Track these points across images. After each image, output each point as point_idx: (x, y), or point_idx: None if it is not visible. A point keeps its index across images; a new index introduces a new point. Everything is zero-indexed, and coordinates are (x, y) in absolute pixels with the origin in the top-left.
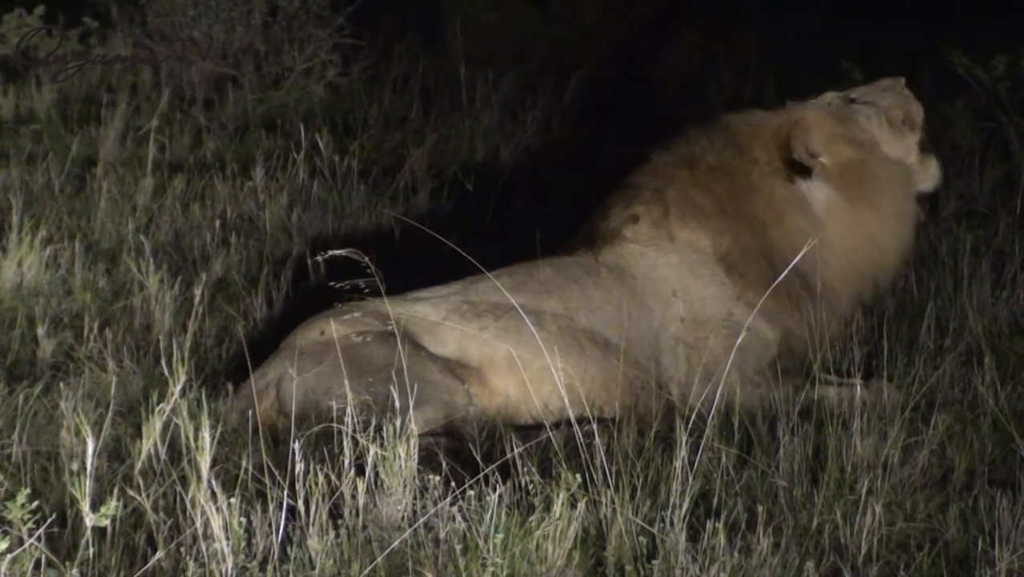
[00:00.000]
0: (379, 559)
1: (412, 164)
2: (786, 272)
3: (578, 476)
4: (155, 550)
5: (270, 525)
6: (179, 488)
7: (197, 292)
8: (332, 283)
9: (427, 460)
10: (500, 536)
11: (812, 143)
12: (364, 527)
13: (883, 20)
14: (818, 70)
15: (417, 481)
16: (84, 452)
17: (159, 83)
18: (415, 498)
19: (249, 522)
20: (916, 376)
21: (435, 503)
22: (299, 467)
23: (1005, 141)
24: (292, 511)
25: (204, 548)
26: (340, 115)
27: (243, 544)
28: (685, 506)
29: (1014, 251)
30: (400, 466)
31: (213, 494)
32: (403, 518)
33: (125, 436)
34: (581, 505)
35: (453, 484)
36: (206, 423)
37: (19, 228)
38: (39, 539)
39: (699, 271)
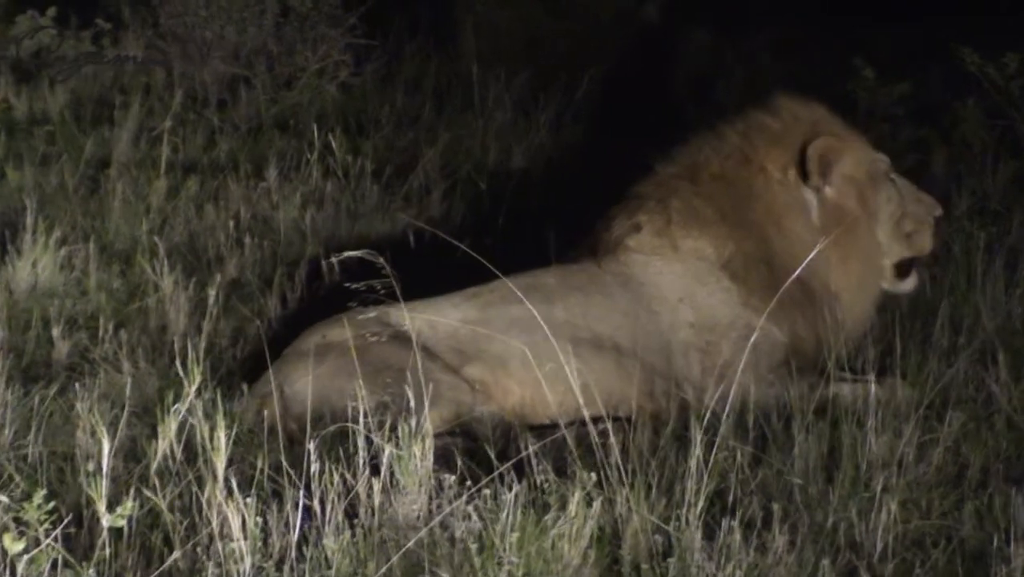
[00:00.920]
0: (395, 558)
1: (425, 164)
2: (787, 284)
3: (593, 475)
4: (171, 550)
5: (286, 525)
6: (195, 488)
7: (212, 293)
8: (347, 284)
9: (442, 459)
10: (516, 535)
11: (833, 169)
12: (380, 526)
13: (894, 18)
14: (829, 68)
15: (432, 480)
16: (100, 453)
17: (172, 84)
18: (431, 497)
19: (265, 522)
20: (930, 374)
21: (450, 502)
22: (315, 467)
23: (1017, 138)
24: (308, 511)
25: (220, 548)
26: (353, 115)
27: (259, 544)
28: (700, 504)
29: None
30: (415, 465)
31: (229, 494)
32: (419, 517)
33: (141, 436)
34: (597, 504)
35: (468, 483)
36: (221, 423)
37: (33, 229)
38: (56, 539)
39: (704, 279)
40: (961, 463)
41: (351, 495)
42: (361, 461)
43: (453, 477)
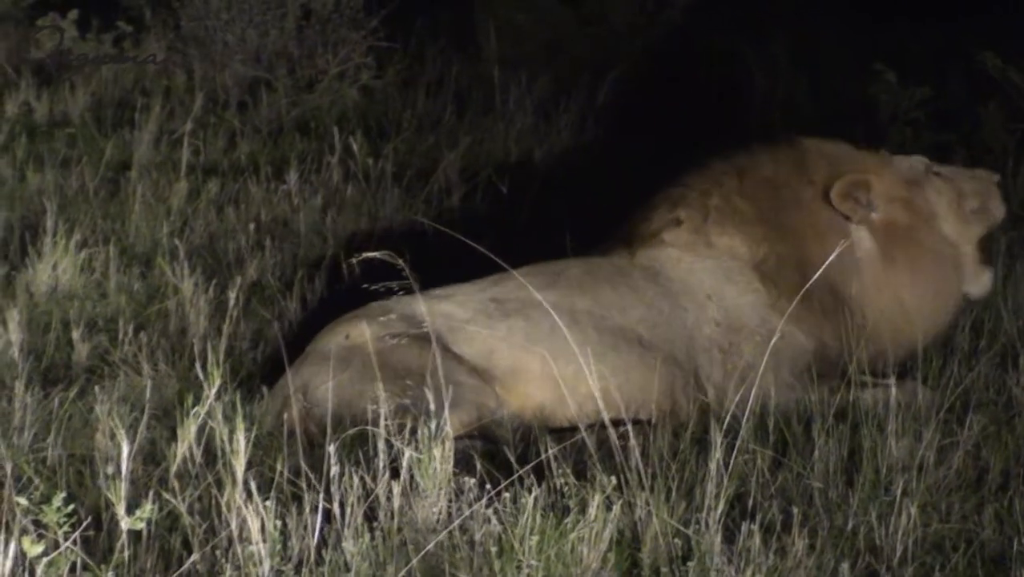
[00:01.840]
0: (414, 561)
1: (446, 167)
2: (813, 279)
3: (613, 478)
4: (191, 553)
5: (305, 528)
6: (214, 491)
7: (231, 295)
8: (366, 285)
9: (462, 462)
10: (535, 538)
11: (870, 198)
12: (399, 529)
13: (915, 21)
14: (850, 72)
15: (452, 483)
16: (119, 455)
17: (193, 87)
18: (450, 500)
19: (285, 525)
20: (951, 377)
21: (470, 505)
22: (334, 470)
23: None
24: (327, 514)
25: (240, 551)
26: (374, 118)
27: (279, 547)
28: (720, 508)
29: None
30: (435, 468)
31: (249, 497)
32: (438, 520)
33: (160, 439)
34: (616, 507)
35: (488, 486)
36: (241, 426)
37: (53, 232)
38: (75, 542)
39: (735, 277)
40: (981, 466)
41: (371, 498)
42: (381, 464)
43: (473, 480)
